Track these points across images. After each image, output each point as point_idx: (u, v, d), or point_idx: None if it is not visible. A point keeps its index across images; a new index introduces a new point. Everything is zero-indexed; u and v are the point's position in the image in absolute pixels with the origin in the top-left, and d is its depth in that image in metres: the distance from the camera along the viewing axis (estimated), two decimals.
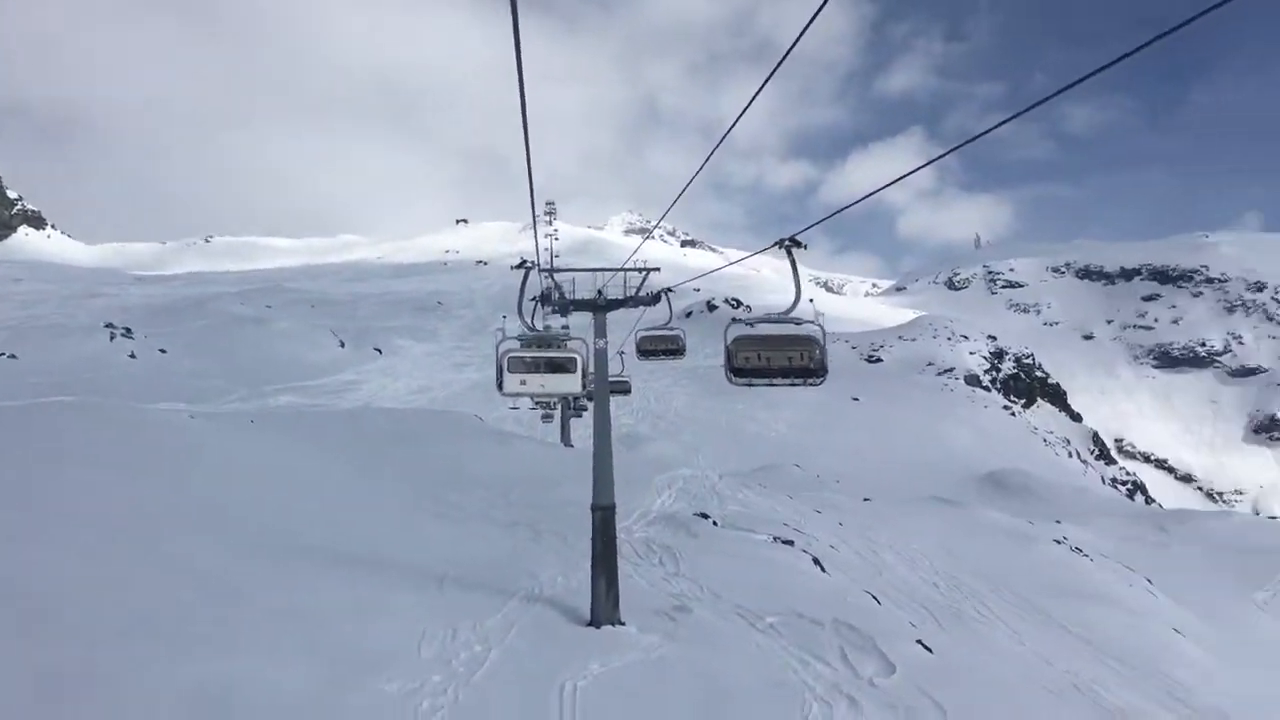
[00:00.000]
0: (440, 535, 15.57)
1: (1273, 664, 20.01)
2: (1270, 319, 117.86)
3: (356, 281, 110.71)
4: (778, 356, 10.61)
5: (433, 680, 8.72)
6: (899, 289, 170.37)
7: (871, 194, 7.83)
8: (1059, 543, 25.22)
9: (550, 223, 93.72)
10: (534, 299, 15.09)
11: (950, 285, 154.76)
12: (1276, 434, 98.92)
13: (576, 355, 12.02)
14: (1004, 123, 5.70)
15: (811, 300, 11.15)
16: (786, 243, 9.78)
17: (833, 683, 9.50)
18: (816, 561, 16.64)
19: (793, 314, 10.44)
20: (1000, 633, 16.02)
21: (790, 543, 17.78)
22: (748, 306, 74.48)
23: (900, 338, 62.29)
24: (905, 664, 10.40)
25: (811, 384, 10.57)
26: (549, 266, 15.43)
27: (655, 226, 35.48)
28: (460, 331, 79.10)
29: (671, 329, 19.19)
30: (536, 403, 29.70)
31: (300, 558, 12.31)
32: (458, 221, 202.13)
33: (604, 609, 11.42)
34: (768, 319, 10.69)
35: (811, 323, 10.58)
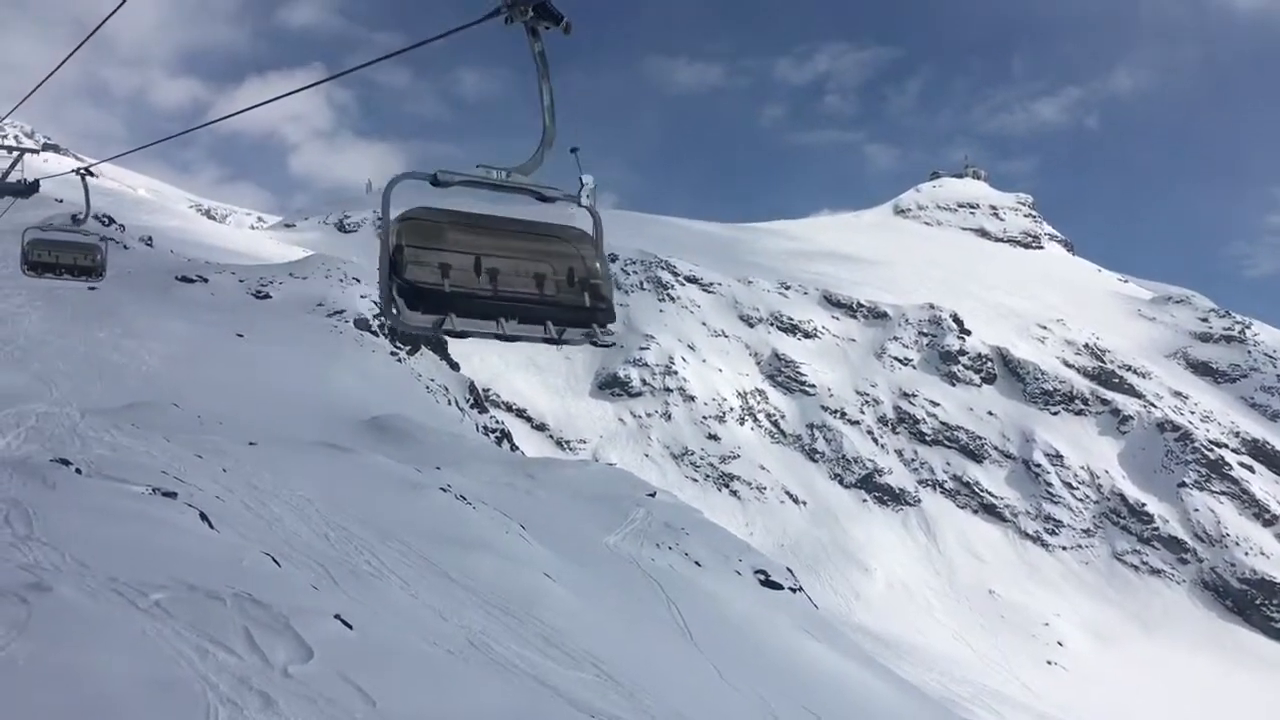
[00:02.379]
0: None
1: (625, 598, 22.15)
2: (619, 288, 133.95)
3: None
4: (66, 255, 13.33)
5: None
6: (288, 225, 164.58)
7: (251, 108, 7.52)
8: (445, 490, 25.71)
9: None
10: None
11: (341, 228, 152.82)
12: (616, 390, 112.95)
13: None
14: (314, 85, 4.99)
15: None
16: (82, 170, 12.26)
17: (240, 675, 8.04)
18: (204, 517, 14.73)
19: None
20: (394, 587, 15.64)
21: (173, 494, 15.63)
22: (121, 226, 66.42)
23: (291, 275, 59.71)
24: (322, 645, 9.30)
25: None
26: None
27: (5, 117, 29.43)
28: None
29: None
30: None
31: None
32: None
33: None
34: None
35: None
